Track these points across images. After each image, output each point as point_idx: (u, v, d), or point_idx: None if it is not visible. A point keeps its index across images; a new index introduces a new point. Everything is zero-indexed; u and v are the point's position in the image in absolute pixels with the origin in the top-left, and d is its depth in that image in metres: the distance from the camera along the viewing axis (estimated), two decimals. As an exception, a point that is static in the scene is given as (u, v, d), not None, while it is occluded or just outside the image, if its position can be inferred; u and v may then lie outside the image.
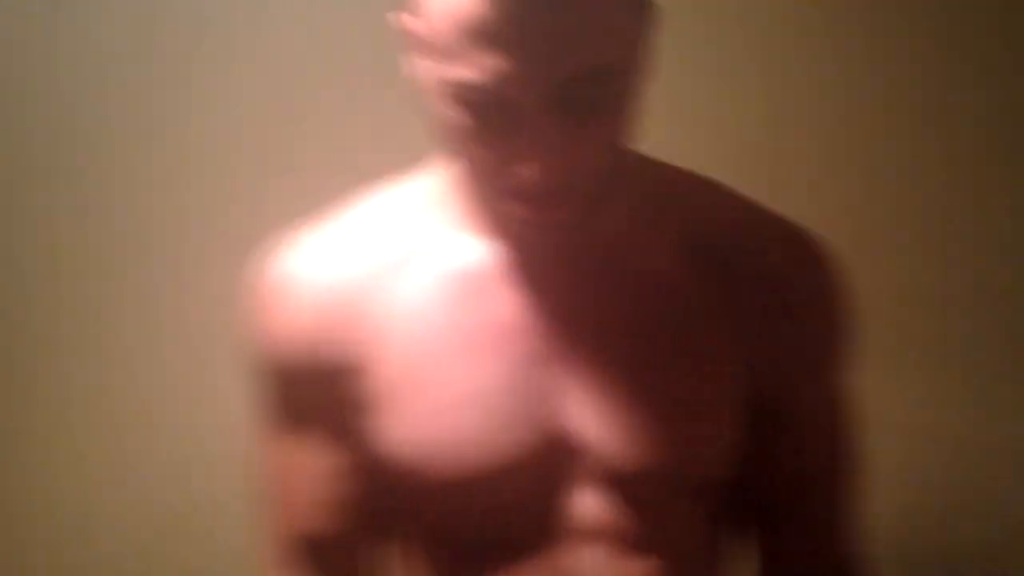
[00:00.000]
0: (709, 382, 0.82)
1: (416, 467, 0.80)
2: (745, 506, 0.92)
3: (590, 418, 0.80)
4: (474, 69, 0.65)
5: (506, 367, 0.80)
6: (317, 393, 0.83)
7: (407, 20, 0.72)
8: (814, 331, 0.86)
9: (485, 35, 0.64)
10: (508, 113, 0.67)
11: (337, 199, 0.89)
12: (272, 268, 0.85)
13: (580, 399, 0.81)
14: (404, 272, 0.81)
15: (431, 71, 0.69)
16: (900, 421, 1.35)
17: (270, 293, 0.84)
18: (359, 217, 0.86)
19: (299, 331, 0.82)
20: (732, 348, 0.82)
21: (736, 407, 0.83)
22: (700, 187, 0.86)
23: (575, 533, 0.83)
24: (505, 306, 0.80)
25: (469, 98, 0.67)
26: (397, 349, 0.80)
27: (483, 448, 0.79)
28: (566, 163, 0.69)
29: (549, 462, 0.81)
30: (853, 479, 0.92)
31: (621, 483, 0.82)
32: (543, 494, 0.82)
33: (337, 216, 0.87)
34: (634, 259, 0.82)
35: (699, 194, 0.85)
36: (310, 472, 0.86)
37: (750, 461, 0.87)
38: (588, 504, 0.83)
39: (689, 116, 1.33)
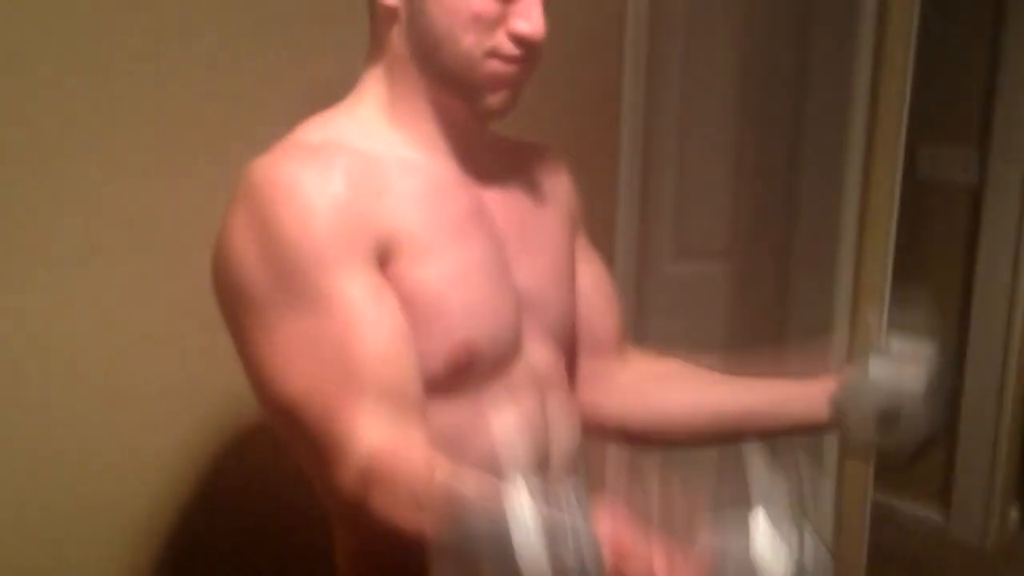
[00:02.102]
0: (567, 254, 1.18)
1: (450, 329, 1.00)
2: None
3: (529, 280, 1.09)
4: None
5: (484, 244, 1.06)
6: (361, 245, 0.94)
7: None
8: (580, 208, 1.26)
9: None
10: None
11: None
12: (276, 171, 0.95)
13: (521, 265, 1.09)
14: (388, 173, 1.01)
15: None
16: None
17: (291, 183, 0.93)
18: (317, 136, 1.02)
19: (337, 197, 0.94)
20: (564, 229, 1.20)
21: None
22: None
23: (536, 379, 1.09)
24: (466, 200, 1.06)
25: None
26: (409, 229, 0.99)
27: (490, 304, 1.04)
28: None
29: (517, 313, 1.08)
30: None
31: (553, 331, 1.13)
32: (516, 341, 1.07)
33: (292, 138, 1.02)
34: (509, 167, 1.15)
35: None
36: (378, 316, 0.94)
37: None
38: (539, 353, 1.11)
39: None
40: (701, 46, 2.36)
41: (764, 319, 2.60)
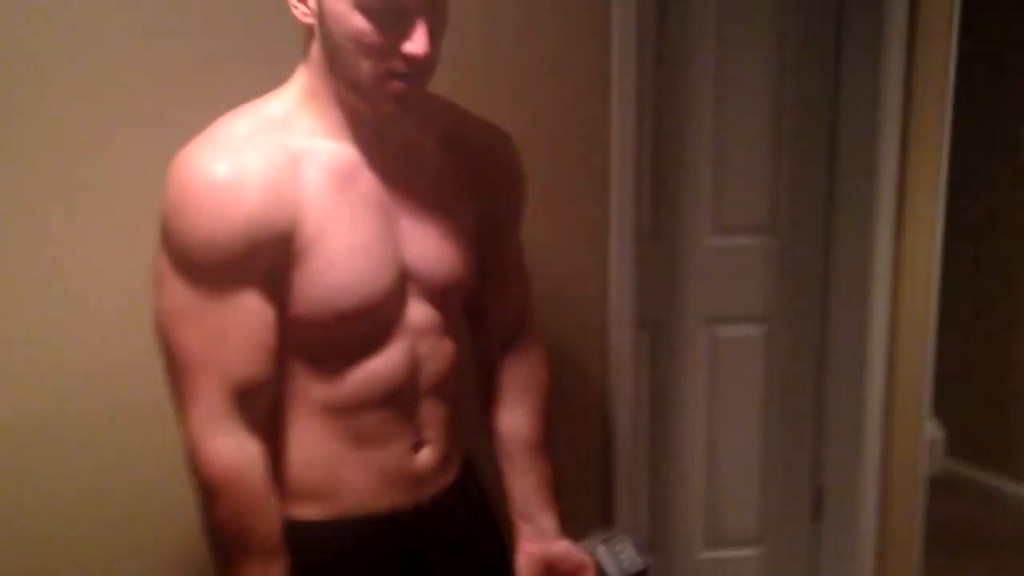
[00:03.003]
0: (466, 229, 1.35)
1: (330, 299, 1.21)
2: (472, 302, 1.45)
3: (417, 254, 1.29)
4: None
5: (374, 225, 1.24)
6: (258, 259, 1.16)
7: None
8: (515, 194, 1.44)
9: None
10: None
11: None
12: (197, 169, 1.13)
13: (410, 241, 1.28)
14: (300, 166, 1.20)
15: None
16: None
17: (205, 188, 1.12)
18: (246, 126, 1.19)
19: (247, 212, 1.13)
20: (472, 206, 1.36)
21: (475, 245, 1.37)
22: (441, 102, 1.36)
23: (412, 330, 1.31)
24: (366, 185, 1.24)
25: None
26: (310, 219, 1.19)
27: (369, 280, 1.23)
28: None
29: (399, 284, 1.28)
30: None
31: (434, 295, 1.32)
32: (396, 305, 1.28)
33: (224, 126, 1.19)
34: (422, 150, 1.32)
35: (442, 107, 1.36)
36: (251, 325, 1.18)
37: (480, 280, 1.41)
38: (418, 311, 1.31)
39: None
40: (737, 18, 2.42)
41: (804, 292, 2.63)
